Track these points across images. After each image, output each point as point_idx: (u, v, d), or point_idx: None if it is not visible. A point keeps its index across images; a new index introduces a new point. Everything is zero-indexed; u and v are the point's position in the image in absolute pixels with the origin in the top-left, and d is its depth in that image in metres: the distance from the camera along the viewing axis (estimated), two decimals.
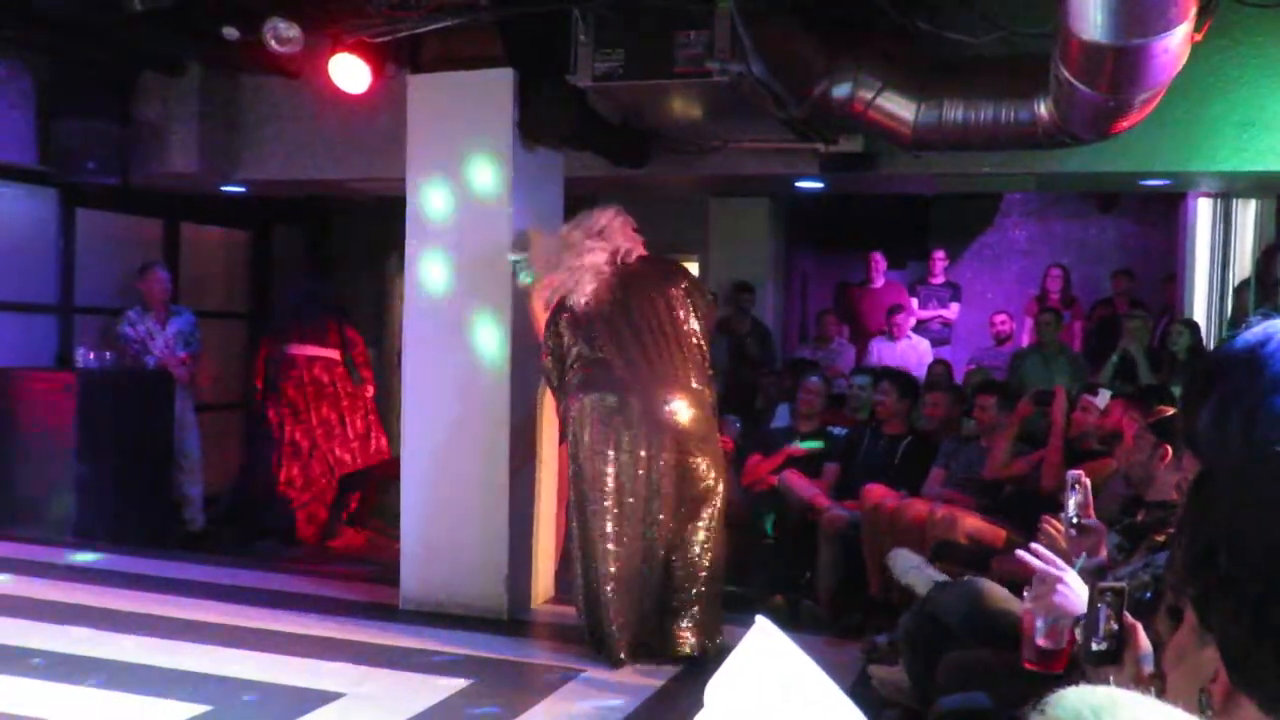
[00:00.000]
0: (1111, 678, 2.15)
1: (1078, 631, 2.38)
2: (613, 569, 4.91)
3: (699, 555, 4.93)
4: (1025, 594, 2.45)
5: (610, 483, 4.90)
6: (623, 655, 4.92)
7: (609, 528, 4.91)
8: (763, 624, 1.21)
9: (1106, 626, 2.09)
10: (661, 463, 4.87)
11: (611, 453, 4.90)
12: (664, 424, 4.87)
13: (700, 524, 4.92)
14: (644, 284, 5.06)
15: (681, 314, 5.01)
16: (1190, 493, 0.95)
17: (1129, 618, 2.13)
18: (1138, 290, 9.36)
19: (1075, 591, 2.43)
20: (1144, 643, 2.12)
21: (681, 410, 4.89)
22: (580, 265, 5.05)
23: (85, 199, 8.11)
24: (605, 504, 4.92)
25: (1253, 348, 0.87)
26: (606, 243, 5.08)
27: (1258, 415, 0.82)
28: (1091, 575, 3.19)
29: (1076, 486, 3.09)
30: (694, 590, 4.93)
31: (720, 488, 5.00)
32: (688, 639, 4.92)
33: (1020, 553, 2.59)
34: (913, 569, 4.63)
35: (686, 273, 5.30)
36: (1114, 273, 9.52)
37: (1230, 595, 0.85)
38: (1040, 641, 2.45)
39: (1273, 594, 0.81)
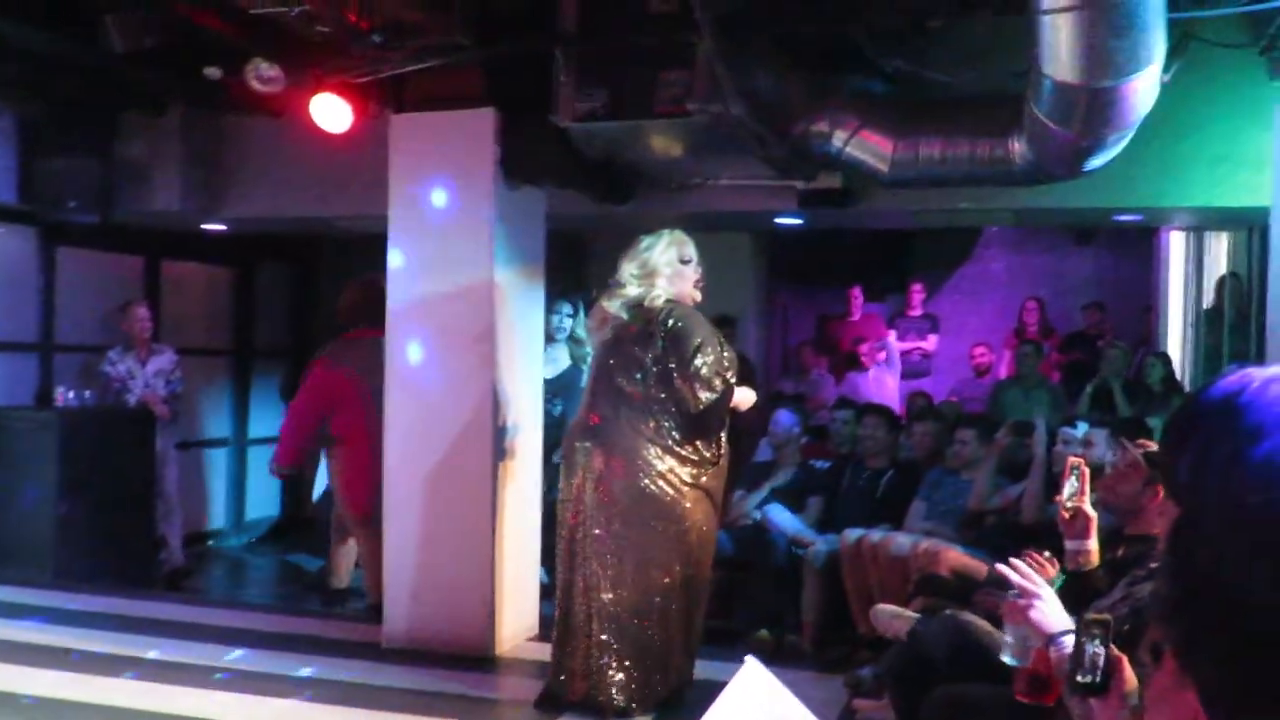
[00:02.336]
0: (1096, 709, 2.17)
1: (1051, 650, 2.40)
2: (556, 613, 4.89)
3: (629, 610, 4.72)
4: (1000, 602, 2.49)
5: (564, 528, 4.87)
6: (539, 701, 4.88)
7: (559, 571, 4.90)
8: (752, 664, 1.23)
9: (1092, 658, 2.12)
10: (606, 518, 4.72)
11: (570, 498, 4.84)
12: (618, 481, 4.71)
13: (636, 586, 4.71)
14: (643, 336, 4.77)
15: (661, 372, 4.74)
16: (1169, 539, 0.98)
17: (1115, 649, 2.15)
18: (1113, 322, 9.45)
19: (1050, 611, 2.45)
20: (1129, 675, 2.14)
21: (642, 470, 4.70)
22: (599, 309, 4.94)
23: (66, 237, 8.10)
24: (560, 548, 4.89)
25: (1229, 396, 0.90)
26: (642, 282, 4.82)
27: (1234, 464, 0.84)
28: (1074, 557, 3.23)
29: (1075, 473, 3.16)
30: (617, 644, 4.72)
31: (681, 551, 4.75)
32: (611, 696, 4.72)
33: (1000, 566, 2.62)
34: (892, 618, 4.65)
35: (678, 328, 4.74)
36: (1084, 306, 9.61)
37: (1209, 641, 0.87)
38: (1006, 659, 2.48)
39: (1250, 641, 0.83)
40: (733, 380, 4.83)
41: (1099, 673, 2.11)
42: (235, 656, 5.53)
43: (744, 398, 4.93)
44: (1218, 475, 0.85)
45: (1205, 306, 8.34)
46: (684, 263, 4.90)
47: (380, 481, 6.04)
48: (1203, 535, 0.88)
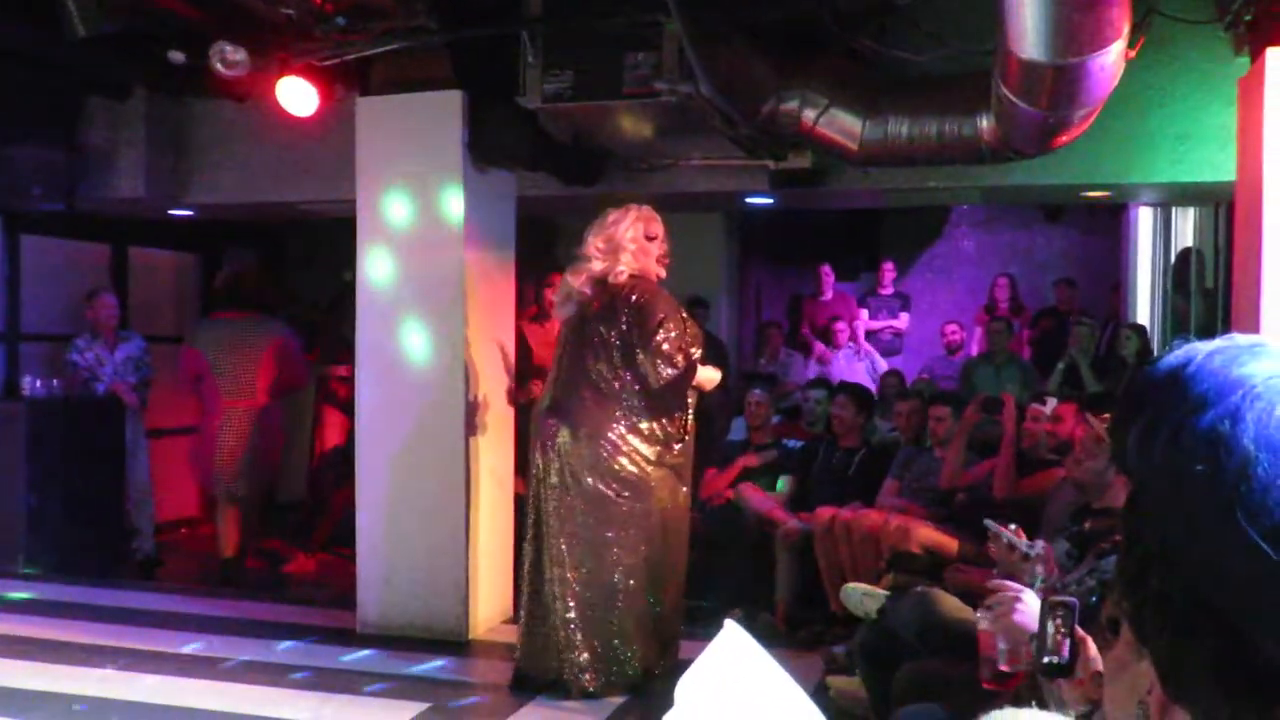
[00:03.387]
0: (1065, 689, 2.19)
1: (1032, 646, 2.42)
2: (524, 596, 4.93)
3: (595, 589, 4.76)
4: (980, 612, 2.49)
5: (532, 507, 4.91)
6: (512, 684, 4.91)
7: (527, 550, 4.94)
8: (731, 627, 1.24)
9: (1057, 640, 2.13)
10: (571, 496, 4.75)
11: (538, 478, 4.87)
12: (582, 458, 4.75)
13: (600, 564, 4.76)
14: (607, 312, 4.81)
15: (624, 349, 4.78)
16: (1124, 512, 0.99)
17: (1080, 630, 2.17)
18: (1082, 298, 9.50)
19: (1032, 610, 2.46)
20: (1095, 654, 2.15)
21: (605, 447, 4.74)
22: (564, 284, 4.97)
23: (31, 225, 8.01)
24: (528, 526, 4.94)
25: (1175, 370, 0.90)
26: (606, 257, 4.84)
27: (1180, 437, 0.85)
28: (1047, 592, 3.25)
29: (1001, 533, 3.14)
30: (584, 623, 4.76)
31: (645, 530, 4.79)
32: (578, 675, 4.75)
33: (992, 583, 2.61)
34: (863, 597, 4.67)
35: (641, 304, 4.79)
36: (1056, 281, 9.66)
37: (1161, 612, 0.87)
38: (1004, 666, 2.48)
39: (1200, 611, 0.84)
40: (696, 357, 4.82)
41: (1064, 654, 2.13)
42: (196, 648, 5.51)
43: (708, 376, 4.91)
44: (1163, 447, 0.86)
45: (1169, 281, 8.42)
46: (649, 239, 4.91)
47: (231, 456, 7.04)
48: (1150, 507, 0.89)
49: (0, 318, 7.99)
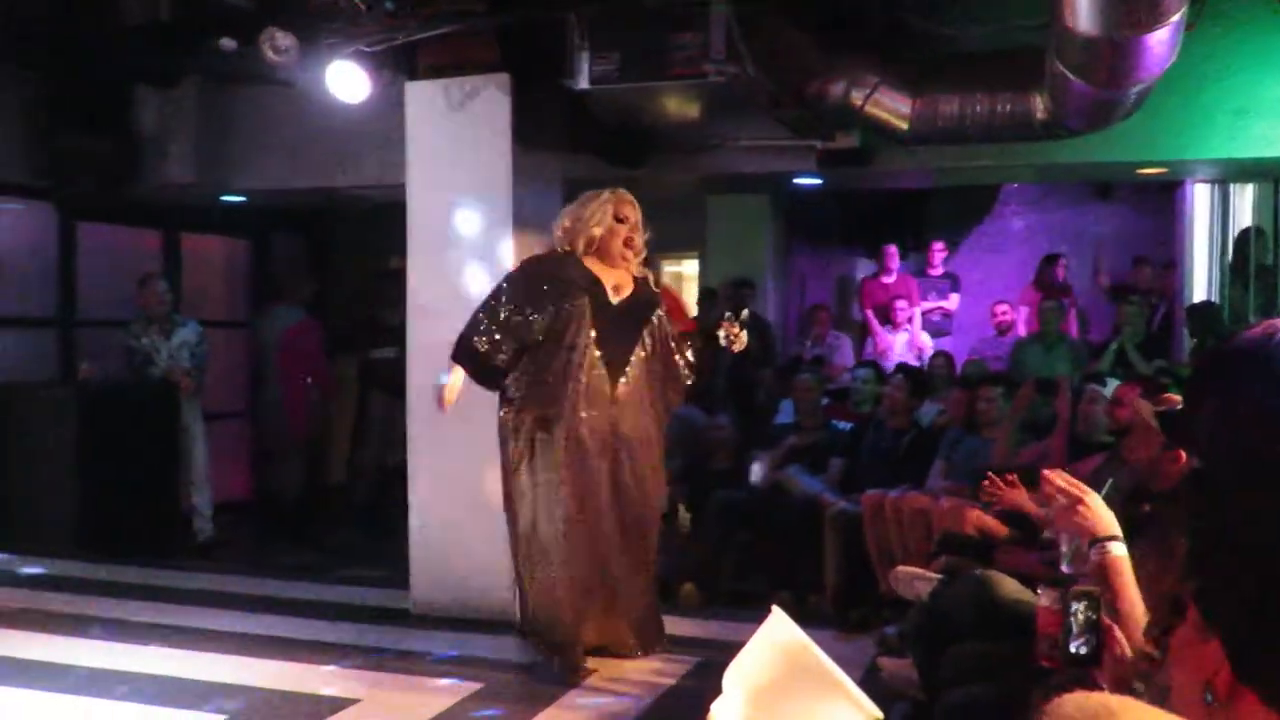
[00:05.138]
0: (1096, 676, 2.17)
1: (1093, 554, 2.40)
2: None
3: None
4: (1040, 591, 2.46)
5: None
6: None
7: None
8: (778, 614, 1.25)
9: (1082, 628, 2.12)
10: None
11: None
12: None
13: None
14: None
15: None
16: (1190, 490, 0.97)
17: (1105, 619, 2.15)
18: (1147, 277, 9.30)
19: (1094, 514, 2.40)
20: (1121, 642, 2.13)
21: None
22: None
23: (84, 212, 8.13)
24: None
25: (1253, 348, 0.89)
26: (569, 235, 4.87)
27: (1260, 415, 0.84)
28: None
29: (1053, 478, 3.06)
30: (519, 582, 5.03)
31: (511, 502, 4.90)
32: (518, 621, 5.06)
33: (1045, 472, 2.56)
34: (912, 580, 4.64)
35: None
36: (1137, 260, 9.46)
37: (1230, 592, 0.86)
38: (1065, 568, 2.46)
39: (1271, 591, 0.83)
40: (477, 331, 4.83)
41: (1089, 643, 2.13)
42: (249, 627, 5.58)
43: (451, 378, 4.92)
44: (1239, 425, 0.84)
45: (1229, 261, 8.27)
46: (619, 220, 4.84)
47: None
48: (1223, 485, 0.87)
49: (55, 304, 8.12)
